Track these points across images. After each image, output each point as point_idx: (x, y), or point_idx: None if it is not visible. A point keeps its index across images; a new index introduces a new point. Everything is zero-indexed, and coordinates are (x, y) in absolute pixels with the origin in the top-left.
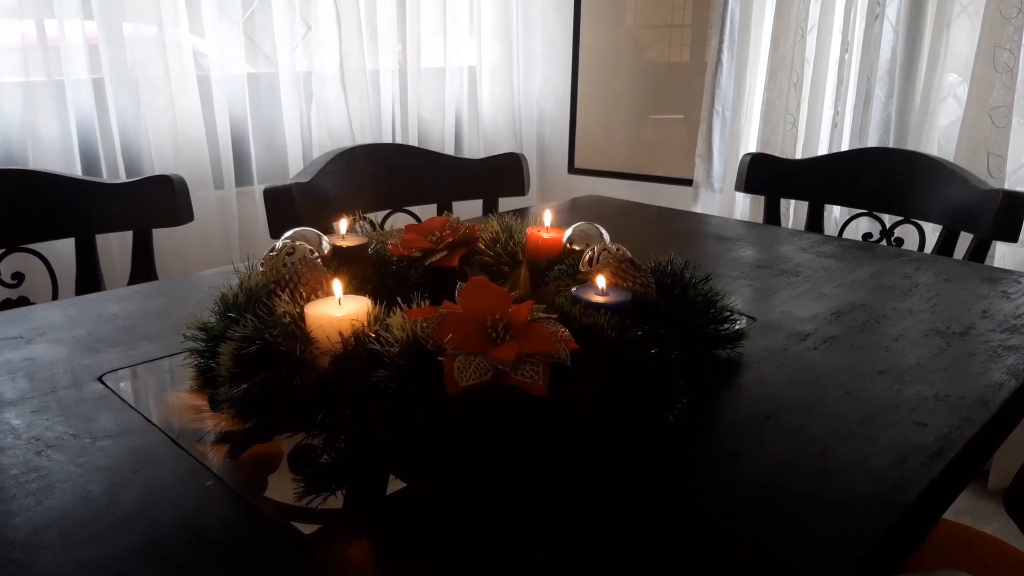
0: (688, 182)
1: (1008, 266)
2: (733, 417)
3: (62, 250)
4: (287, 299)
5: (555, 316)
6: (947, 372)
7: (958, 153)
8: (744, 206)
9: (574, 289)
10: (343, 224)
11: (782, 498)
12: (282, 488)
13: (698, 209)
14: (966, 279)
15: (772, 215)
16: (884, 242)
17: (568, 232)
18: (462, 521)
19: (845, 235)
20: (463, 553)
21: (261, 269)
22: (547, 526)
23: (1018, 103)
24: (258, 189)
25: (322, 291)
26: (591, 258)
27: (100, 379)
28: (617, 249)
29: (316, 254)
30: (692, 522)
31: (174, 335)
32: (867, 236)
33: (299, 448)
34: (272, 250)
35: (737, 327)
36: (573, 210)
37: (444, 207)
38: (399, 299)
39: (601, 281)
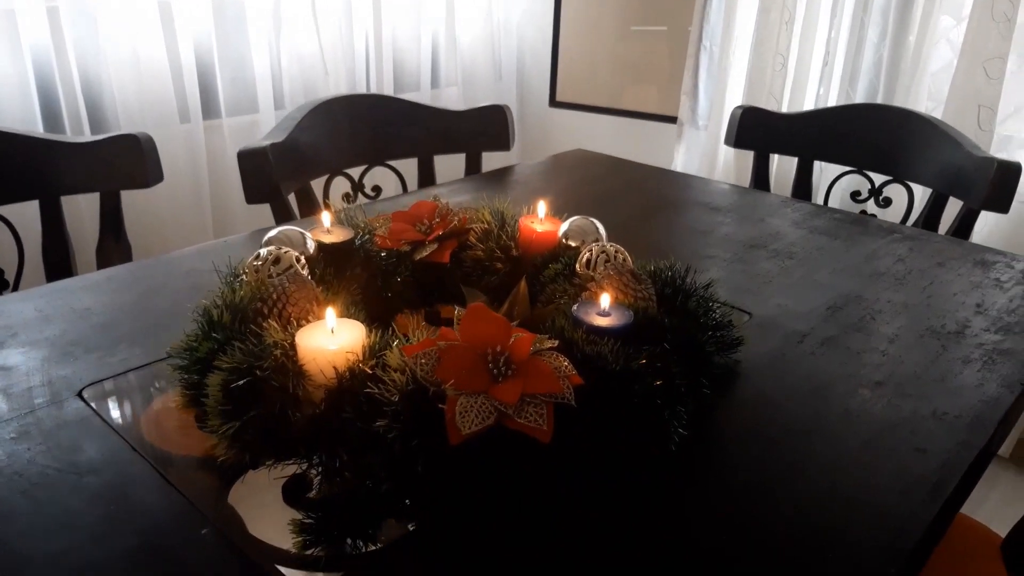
0: (672, 119)
1: (984, 236)
2: (734, 443)
3: (26, 213)
4: (276, 326)
5: (556, 343)
6: (943, 383)
7: (948, 103)
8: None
9: (575, 308)
10: (326, 217)
11: (783, 542)
12: (277, 524)
13: (682, 148)
14: (959, 263)
15: (761, 169)
16: (872, 201)
17: (564, 227)
18: (466, 559)
19: (834, 191)
20: None
21: (244, 278)
22: (547, 556)
23: (1013, 54)
24: (227, 122)
25: (312, 314)
26: (589, 260)
27: (80, 394)
28: (616, 252)
29: (303, 262)
30: (690, 568)
31: (152, 336)
32: (855, 194)
33: (292, 481)
34: (256, 258)
35: (735, 332)
36: (554, 169)
37: (425, 162)
38: (393, 327)
39: (604, 300)
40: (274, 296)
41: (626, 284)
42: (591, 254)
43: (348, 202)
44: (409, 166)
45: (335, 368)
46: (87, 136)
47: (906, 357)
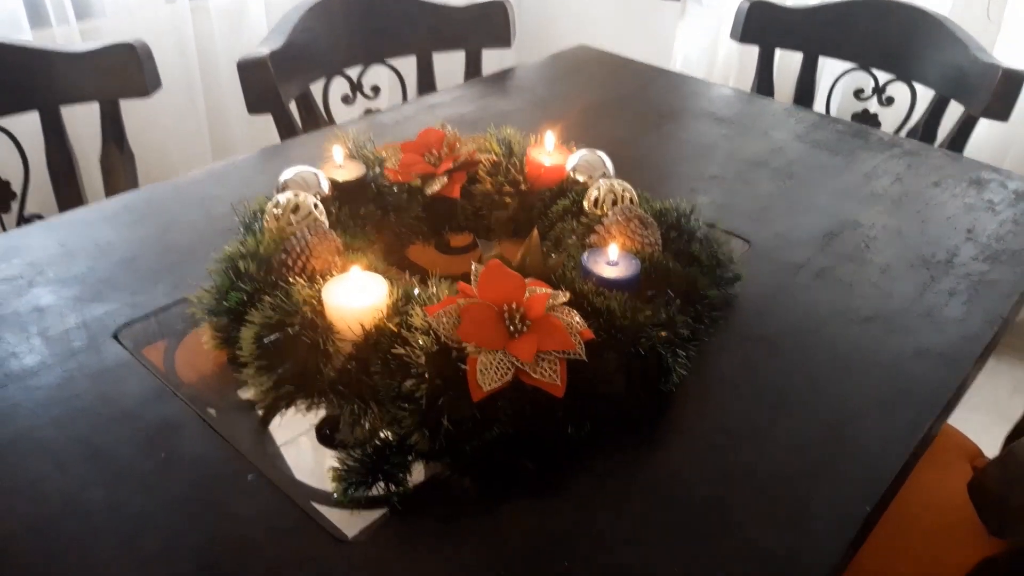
0: None
1: (982, 135)
2: (727, 385)
3: (28, 124)
4: (303, 282)
5: (568, 296)
6: (929, 318)
7: None
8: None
9: (584, 257)
10: (338, 152)
11: (770, 481)
12: (312, 463)
13: (683, 27)
14: (955, 181)
15: (765, 70)
16: (875, 100)
17: (572, 161)
18: (488, 502)
19: (836, 88)
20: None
21: (265, 223)
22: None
23: None
24: (213, 3)
25: (335, 266)
26: (597, 199)
27: (115, 336)
28: (623, 191)
29: (320, 208)
30: (684, 506)
31: (176, 272)
32: (859, 92)
33: (325, 423)
34: (275, 205)
35: (734, 267)
36: (555, 70)
37: (424, 60)
38: (409, 274)
39: (612, 251)
40: (297, 249)
41: (634, 231)
42: (599, 192)
43: (348, 104)
44: (408, 64)
45: (362, 325)
46: (81, 45)
47: (895, 289)
